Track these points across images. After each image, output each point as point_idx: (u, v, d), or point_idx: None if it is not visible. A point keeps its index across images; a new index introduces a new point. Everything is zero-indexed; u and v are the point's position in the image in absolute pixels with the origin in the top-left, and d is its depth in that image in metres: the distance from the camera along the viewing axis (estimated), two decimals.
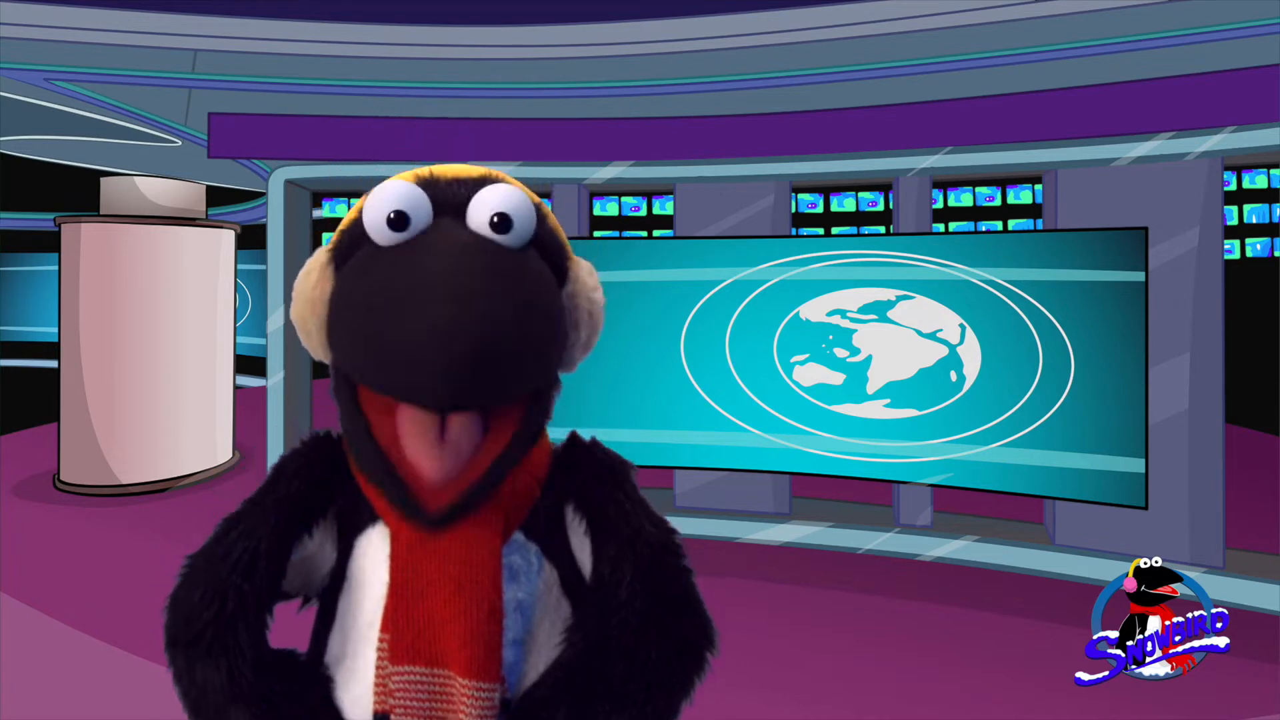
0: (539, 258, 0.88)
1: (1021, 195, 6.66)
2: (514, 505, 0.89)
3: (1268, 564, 3.34)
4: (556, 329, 0.89)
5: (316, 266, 0.91)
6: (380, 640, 0.85)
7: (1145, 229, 3.27)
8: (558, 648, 0.88)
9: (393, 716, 0.83)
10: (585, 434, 1.01)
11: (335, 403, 0.89)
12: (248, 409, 6.16)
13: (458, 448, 0.82)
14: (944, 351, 3.60)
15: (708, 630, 0.91)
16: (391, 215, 0.83)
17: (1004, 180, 6.61)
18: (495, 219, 0.84)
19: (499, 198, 0.86)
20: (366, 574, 0.89)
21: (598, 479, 0.94)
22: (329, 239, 0.94)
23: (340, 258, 0.88)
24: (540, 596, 0.90)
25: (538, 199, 0.94)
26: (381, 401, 0.84)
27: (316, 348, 0.91)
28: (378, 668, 0.85)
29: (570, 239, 0.98)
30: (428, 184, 0.87)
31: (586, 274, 0.97)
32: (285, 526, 0.89)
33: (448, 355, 0.76)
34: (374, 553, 0.89)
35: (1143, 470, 3.22)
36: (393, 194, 0.84)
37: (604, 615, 0.87)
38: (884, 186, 6.65)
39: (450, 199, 0.86)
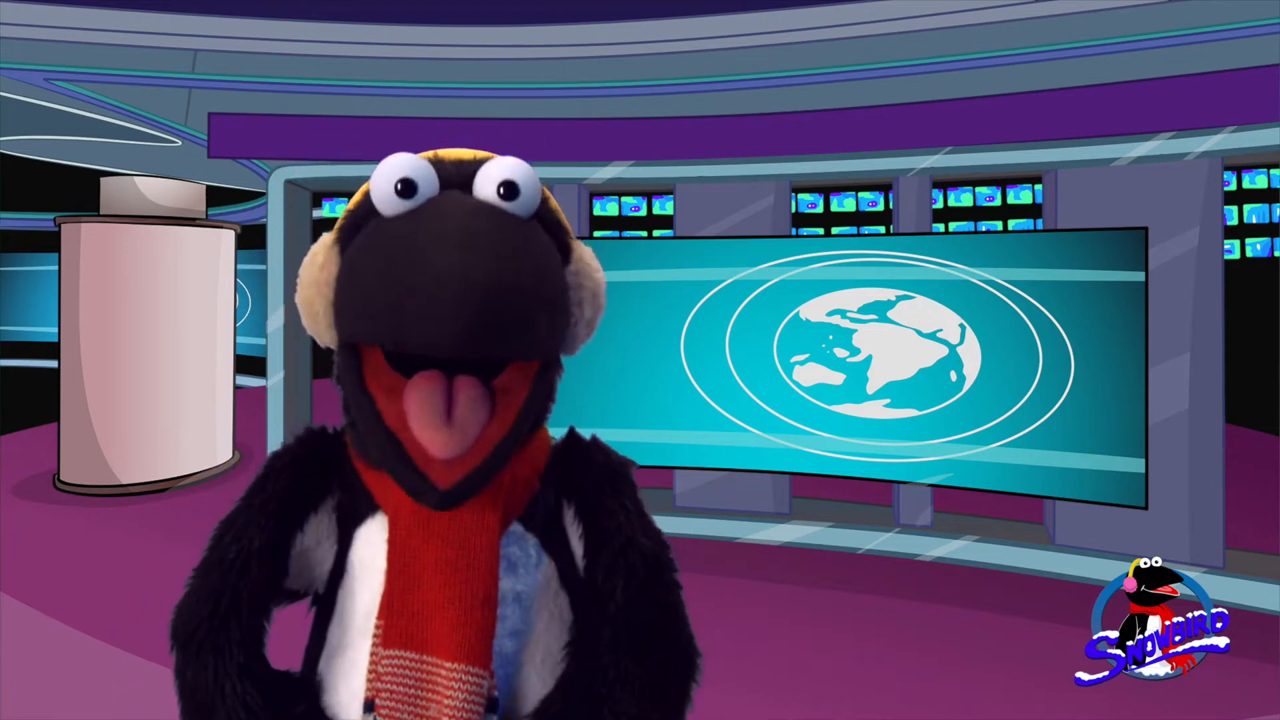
0: (543, 231, 0.89)
1: (1021, 195, 6.66)
2: (513, 496, 0.89)
3: (1268, 564, 3.34)
4: (565, 297, 0.90)
5: (322, 250, 0.91)
6: (376, 627, 0.85)
7: (1145, 229, 3.27)
8: (560, 655, 0.89)
9: (378, 702, 0.83)
10: (585, 433, 1.01)
11: (340, 389, 0.89)
12: (248, 409, 6.16)
13: (464, 426, 0.82)
14: (944, 351, 3.60)
15: (689, 650, 0.92)
16: (399, 183, 0.84)
17: (1004, 180, 6.61)
18: (502, 187, 0.85)
19: (505, 167, 0.87)
20: (366, 564, 0.89)
21: (597, 484, 0.94)
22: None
23: (346, 238, 0.89)
24: (539, 589, 0.90)
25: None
26: (388, 383, 0.84)
27: (323, 330, 0.91)
28: (371, 654, 0.85)
29: None
30: (433, 162, 0.89)
31: (589, 255, 0.99)
32: (276, 524, 0.89)
33: (461, 299, 0.75)
34: (374, 543, 0.89)
35: (1143, 470, 3.22)
36: (399, 164, 0.85)
37: (597, 626, 0.89)
38: (884, 186, 6.66)
39: (456, 174, 0.88)
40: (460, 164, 0.89)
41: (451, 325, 0.76)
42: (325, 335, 0.91)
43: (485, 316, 0.76)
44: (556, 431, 1.01)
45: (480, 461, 0.82)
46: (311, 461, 0.93)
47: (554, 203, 0.95)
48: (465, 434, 0.82)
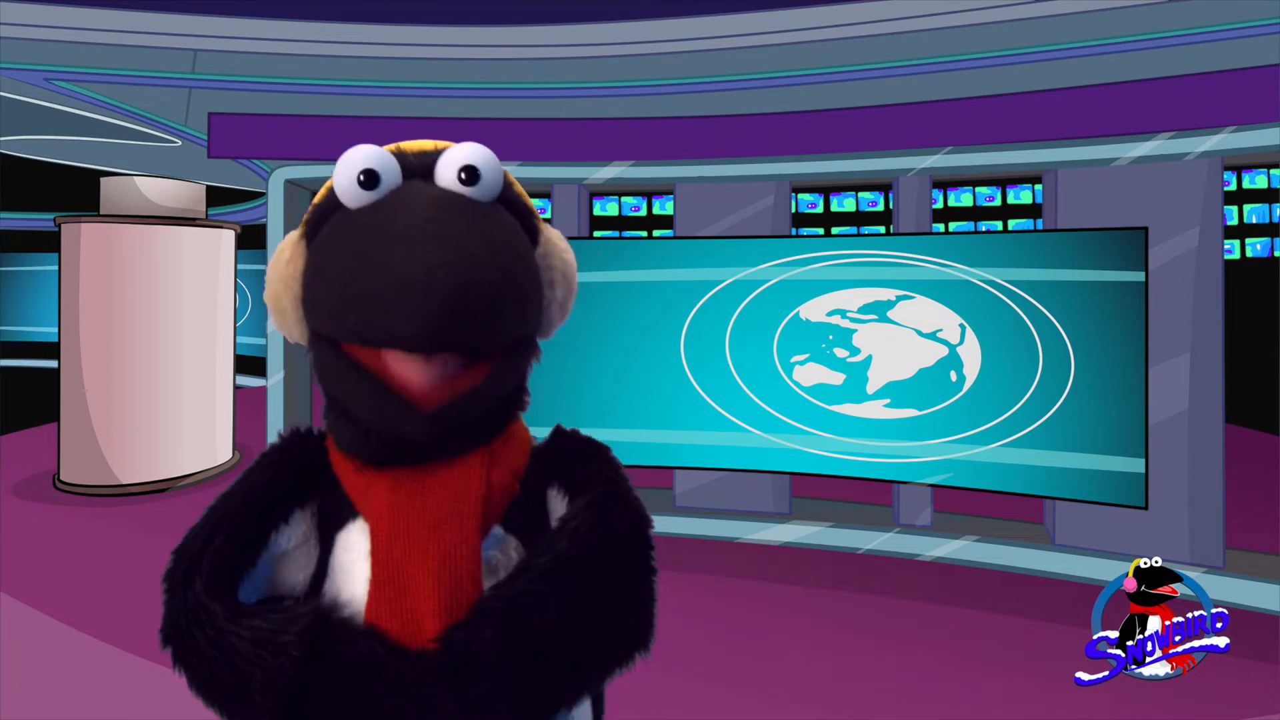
0: (509, 214, 0.90)
1: (1021, 195, 6.66)
2: (491, 503, 0.89)
3: (1268, 564, 3.34)
4: (536, 278, 0.90)
5: (289, 245, 0.92)
6: None
7: (1145, 229, 3.27)
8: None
9: None
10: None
11: (315, 374, 0.90)
12: (248, 409, 6.16)
13: (445, 363, 0.82)
14: (944, 351, 3.60)
15: (638, 625, 0.89)
16: (361, 175, 0.84)
17: (1004, 180, 6.61)
18: (463, 173, 0.86)
19: (465, 152, 0.88)
20: (346, 568, 0.89)
21: (580, 456, 0.96)
22: None
23: (312, 232, 0.89)
24: None
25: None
26: (365, 359, 0.84)
27: (292, 325, 0.92)
28: None
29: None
30: (395, 153, 0.89)
31: (557, 236, 0.99)
32: (254, 509, 0.89)
33: (430, 291, 0.76)
34: (353, 547, 0.89)
35: (1143, 470, 3.22)
36: (360, 156, 0.86)
37: (537, 553, 0.86)
38: (884, 186, 6.66)
39: (417, 163, 0.88)
40: (422, 154, 0.89)
41: (417, 324, 0.76)
42: (295, 330, 0.92)
43: (451, 312, 0.77)
44: (542, 433, 1.02)
45: (462, 390, 0.83)
46: (300, 460, 0.93)
47: (518, 187, 0.96)
48: (446, 367, 0.82)
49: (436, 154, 0.89)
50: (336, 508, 0.92)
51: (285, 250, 0.92)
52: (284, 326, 0.93)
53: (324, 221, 0.87)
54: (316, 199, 0.92)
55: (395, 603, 0.84)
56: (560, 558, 0.84)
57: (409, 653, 0.81)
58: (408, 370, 0.81)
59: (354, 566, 0.88)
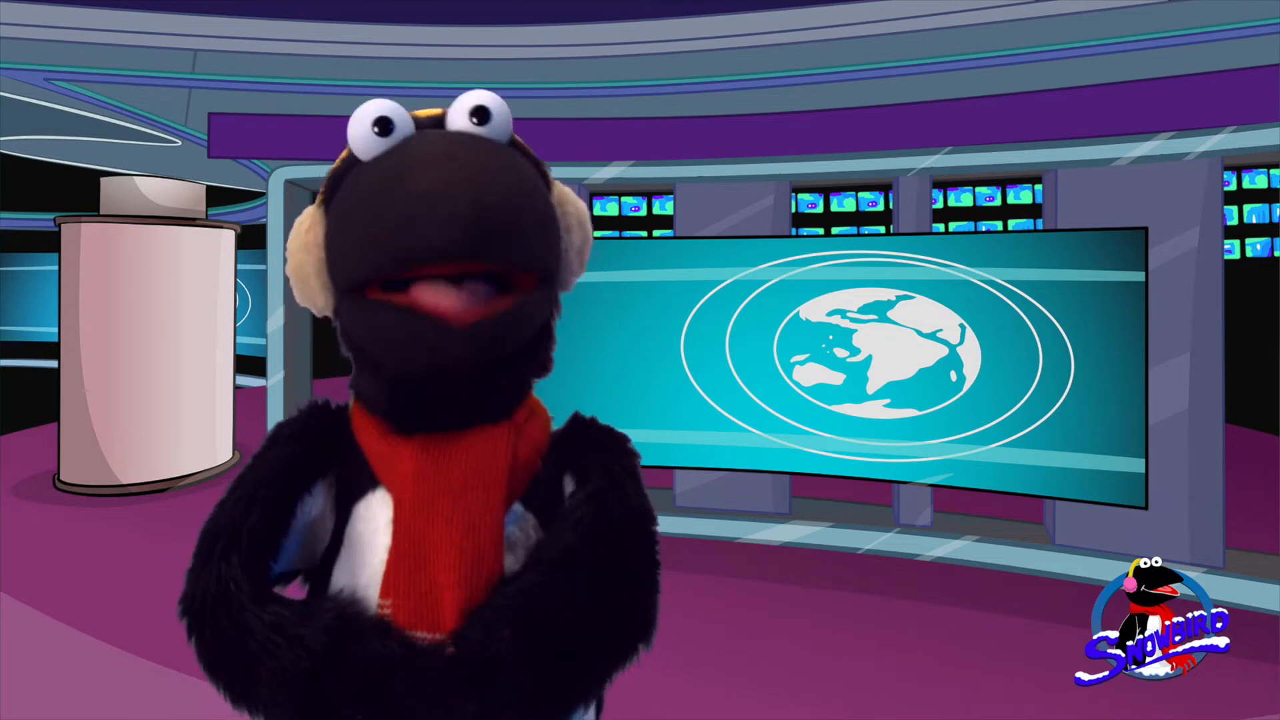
0: (522, 156, 0.91)
1: (1021, 195, 6.66)
2: (515, 476, 0.89)
3: (1268, 564, 3.34)
4: (552, 212, 0.90)
5: (307, 216, 0.93)
6: (382, 606, 0.85)
7: (1145, 229, 3.27)
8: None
9: None
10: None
11: (343, 339, 0.91)
12: (248, 409, 6.15)
13: (474, 290, 0.82)
14: (944, 351, 3.60)
15: (640, 621, 0.88)
16: (376, 122, 0.85)
17: (1004, 180, 6.61)
18: (474, 115, 0.88)
19: (474, 96, 0.89)
20: (365, 539, 0.88)
21: (597, 445, 0.95)
22: None
23: (329, 198, 0.90)
24: None
25: None
26: (396, 300, 0.84)
27: (317, 293, 0.91)
28: None
29: None
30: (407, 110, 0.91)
31: (568, 190, 1.00)
32: (283, 482, 0.89)
33: (456, 202, 0.77)
34: (373, 518, 0.89)
35: (1143, 470, 3.22)
36: (374, 106, 0.87)
37: (542, 548, 0.86)
38: (884, 186, 6.66)
39: (427, 120, 0.90)
40: (431, 115, 0.91)
41: (446, 234, 0.77)
42: (320, 299, 0.92)
43: (478, 223, 0.77)
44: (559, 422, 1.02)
45: (495, 312, 0.83)
46: (317, 432, 0.93)
47: (526, 146, 0.97)
48: (475, 292, 0.82)
49: (445, 112, 0.91)
50: (356, 478, 0.91)
51: (304, 220, 0.92)
52: (307, 297, 0.93)
53: (340, 183, 0.88)
54: (332, 167, 0.93)
55: (414, 574, 0.83)
56: (568, 550, 0.84)
57: (427, 652, 0.81)
58: (439, 297, 0.81)
59: (374, 537, 0.88)
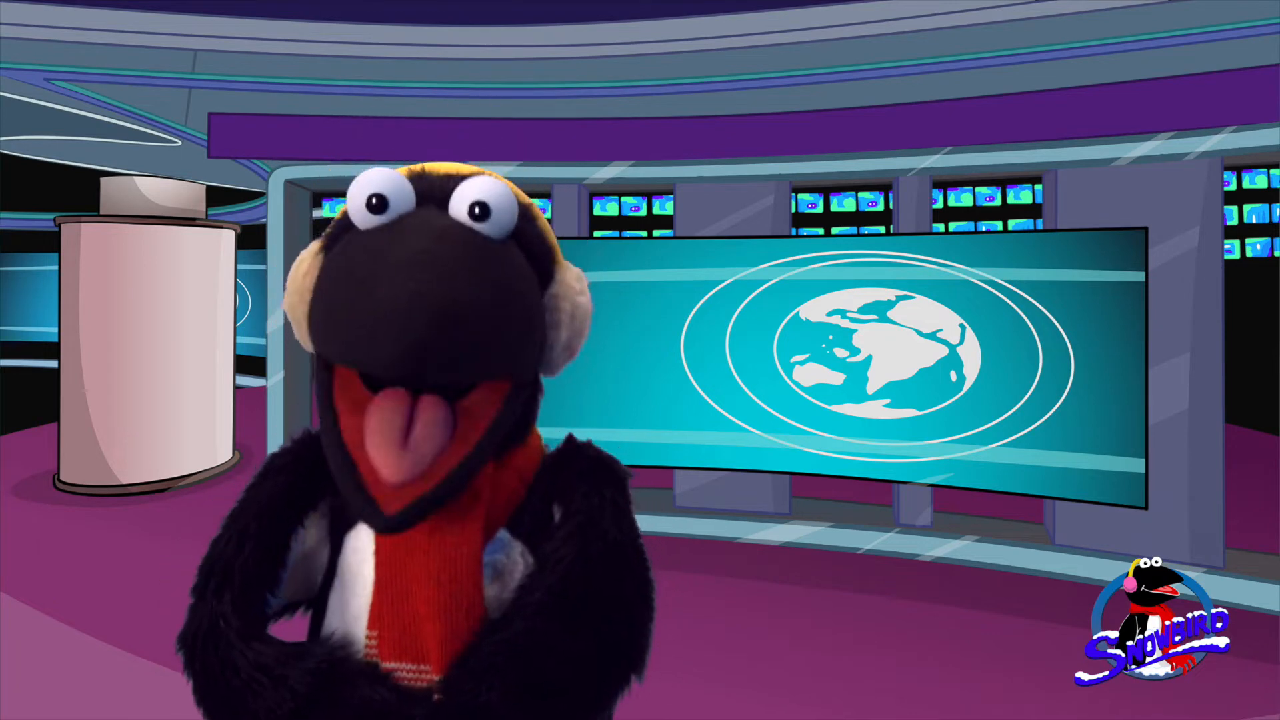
0: (520, 252, 0.88)
1: (1021, 195, 6.66)
2: (495, 506, 0.89)
3: (1268, 564, 3.34)
4: (532, 319, 0.87)
5: (308, 256, 0.92)
6: (369, 637, 0.86)
7: (1145, 229, 3.27)
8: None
9: None
10: (583, 436, 1.01)
11: (315, 397, 0.90)
12: (248, 409, 6.15)
13: (419, 452, 0.80)
14: (944, 351, 3.60)
15: (629, 651, 0.88)
16: (371, 198, 0.84)
17: (1004, 180, 6.61)
18: (474, 208, 0.85)
19: (478, 187, 0.86)
20: (354, 570, 0.90)
21: (581, 473, 0.94)
22: None
23: (329, 247, 0.90)
24: None
25: (529, 200, 0.95)
26: (354, 397, 0.84)
27: (304, 337, 0.92)
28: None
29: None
30: (416, 176, 0.89)
31: (574, 279, 0.96)
32: (275, 516, 0.90)
33: (411, 321, 0.74)
34: (362, 549, 0.90)
35: (1143, 470, 3.22)
36: (374, 179, 0.85)
37: (529, 589, 0.86)
38: (884, 186, 6.66)
39: (435, 190, 0.87)
40: (446, 179, 0.89)
41: (393, 349, 0.75)
42: (307, 341, 0.92)
43: (430, 341, 0.75)
44: (556, 436, 1.01)
45: (430, 489, 0.81)
46: (309, 463, 0.93)
47: (542, 223, 0.95)
48: (419, 457, 0.80)
49: (457, 180, 0.88)
50: (347, 509, 0.92)
51: (304, 262, 0.92)
52: (300, 335, 0.93)
53: (340, 237, 0.88)
54: (340, 213, 0.92)
55: (397, 606, 0.84)
56: (550, 592, 0.84)
57: (416, 698, 0.81)
58: (382, 456, 0.80)
59: (361, 568, 0.89)
